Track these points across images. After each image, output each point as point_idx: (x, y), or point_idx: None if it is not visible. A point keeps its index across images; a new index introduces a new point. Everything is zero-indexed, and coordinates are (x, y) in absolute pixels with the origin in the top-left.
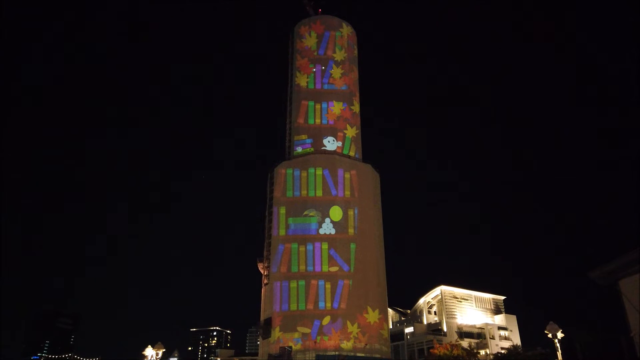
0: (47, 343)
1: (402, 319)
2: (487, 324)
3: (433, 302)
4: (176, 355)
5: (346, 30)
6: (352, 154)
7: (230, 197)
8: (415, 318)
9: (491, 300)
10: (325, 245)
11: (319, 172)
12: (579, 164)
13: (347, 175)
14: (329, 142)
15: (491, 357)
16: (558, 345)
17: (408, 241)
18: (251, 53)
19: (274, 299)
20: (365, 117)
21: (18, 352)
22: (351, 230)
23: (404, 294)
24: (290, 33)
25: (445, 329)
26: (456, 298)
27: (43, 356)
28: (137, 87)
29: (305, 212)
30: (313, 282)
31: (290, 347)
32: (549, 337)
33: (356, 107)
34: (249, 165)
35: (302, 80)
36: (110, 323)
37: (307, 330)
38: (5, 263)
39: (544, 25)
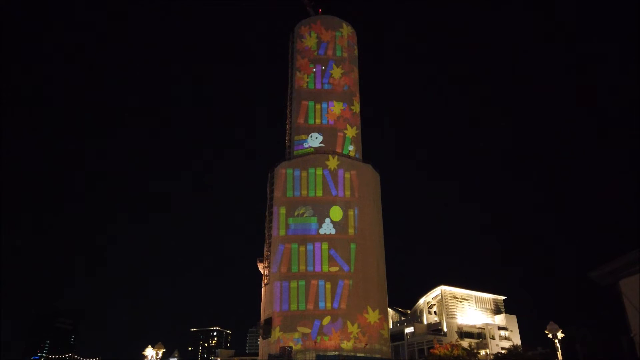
0: (47, 343)
1: (402, 319)
2: (487, 324)
3: (433, 302)
4: (176, 355)
5: (346, 30)
6: (352, 154)
7: (230, 197)
8: (415, 318)
9: (491, 300)
10: (325, 245)
11: (319, 172)
12: (579, 163)
13: (347, 175)
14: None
15: (491, 357)
16: (558, 345)
17: (408, 241)
18: (251, 53)
19: (274, 299)
20: (365, 117)
21: (18, 352)
22: (351, 231)
23: (404, 294)
24: (291, 33)
25: (445, 329)
26: (456, 298)
27: (43, 356)
28: (136, 85)
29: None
30: (313, 282)
31: (291, 347)
32: (549, 337)
33: (356, 107)
34: (249, 165)
35: (302, 81)
36: (110, 323)
37: (307, 330)
38: (6, 263)
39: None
